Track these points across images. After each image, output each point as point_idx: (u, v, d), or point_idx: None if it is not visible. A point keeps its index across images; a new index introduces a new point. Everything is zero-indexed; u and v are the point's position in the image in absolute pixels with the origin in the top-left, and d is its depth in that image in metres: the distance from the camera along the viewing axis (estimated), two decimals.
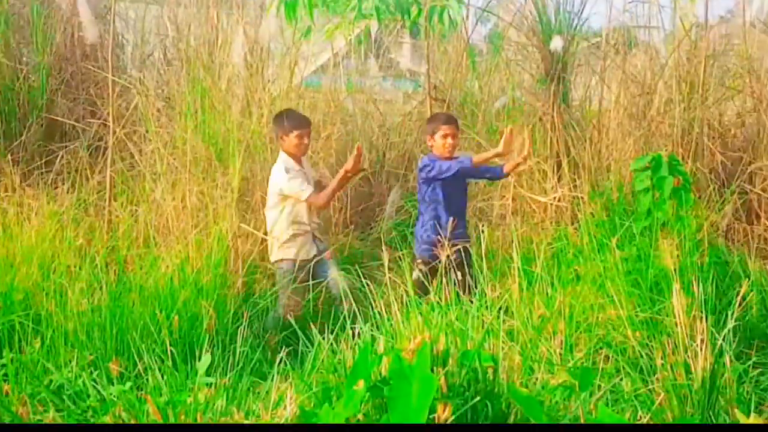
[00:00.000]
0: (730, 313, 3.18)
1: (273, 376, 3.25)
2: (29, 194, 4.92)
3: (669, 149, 5.38)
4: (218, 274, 4.19)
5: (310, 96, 6.47)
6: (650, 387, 3.20)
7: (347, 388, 2.56)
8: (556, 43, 5.47)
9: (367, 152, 6.05)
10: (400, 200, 5.72)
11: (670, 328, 3.29)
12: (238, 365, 3.42)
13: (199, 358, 3.21)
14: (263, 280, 4.69)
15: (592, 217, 4.83)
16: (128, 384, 3.12)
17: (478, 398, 2.61)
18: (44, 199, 4.84)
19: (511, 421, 2.68)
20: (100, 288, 3.92)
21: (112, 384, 3.17)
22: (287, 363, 3.35)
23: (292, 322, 3.60)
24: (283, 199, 4.49)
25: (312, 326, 3.33)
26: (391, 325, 3.19)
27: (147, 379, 3.27)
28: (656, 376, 3.18)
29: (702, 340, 3.00)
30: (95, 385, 3.23)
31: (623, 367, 3.42)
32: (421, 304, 3.26)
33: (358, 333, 3.19)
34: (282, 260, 4.51)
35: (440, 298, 3.29)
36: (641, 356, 3.42)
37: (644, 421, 3.02)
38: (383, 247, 4.41)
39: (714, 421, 2.97)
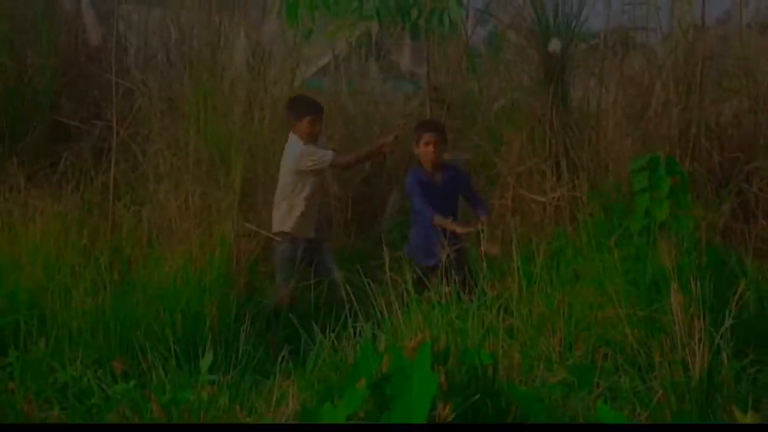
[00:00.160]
0: (727, 311, 3.20)
1: (275, 374, 3.27)
2: (34, 195, 4.90)
3: (667, 150, 5.41)
4: (221, 274, 4.21)
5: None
6: (649, 385, 3.22)
7: (348, 386, 2.59)
8: (555, 45, 5.50)
9: None
10: (400, 201, 5.74)
11: (668, 327, 3.30)
12: (240, 363, 3.43)
13: (203, 357, 3.23)
14: (265, 279, 4.73)
15: (591, 217, 4.87)
16: (132, 382, 3.13)
17: (478, 396, 2.64)
18: (49, 200, 4.81)
19: (510, 418, 2.70)
20: (104, 288, 3.94)
21: (117, 382, 3.18)
22: (289, 361, 3.36)
23: (294, 321, 3.62)
24: (299, 179, 4.49)
25: (314, 324, 3.36)
26: (392, 323, 3.21)
27: (151, 378, 3.31)
28: (654, 373, 3.20)
29: (700, 339, 3.03)
30: (99, 383, 3.24)
31: (622, 365, 3.43)
32: (421, 303, 3.29)
33: (360, 331, 3.21)
34: (281, 233, 4.51)
35: (440, 298, 3.32)
36: (640, 354, 3.44)
37: (643, 418, 3.05)
38: (384, 247, 4.43)
39: (712, 419, 3.00)
